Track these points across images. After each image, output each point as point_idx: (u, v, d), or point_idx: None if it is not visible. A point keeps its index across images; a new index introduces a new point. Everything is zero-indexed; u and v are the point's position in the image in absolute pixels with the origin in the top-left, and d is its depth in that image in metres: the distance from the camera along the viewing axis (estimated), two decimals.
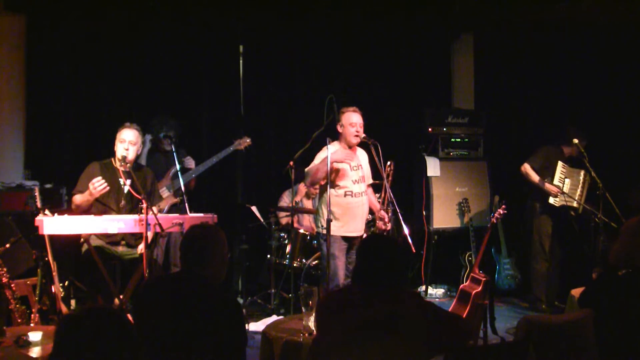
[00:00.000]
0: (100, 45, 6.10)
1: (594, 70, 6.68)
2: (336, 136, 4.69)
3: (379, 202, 4.92)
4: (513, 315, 5.57)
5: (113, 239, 4.47)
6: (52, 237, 4.16)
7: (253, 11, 6.24)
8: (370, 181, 4.89)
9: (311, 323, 3.30)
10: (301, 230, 5.64)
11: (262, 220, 5.85)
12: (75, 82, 6.10)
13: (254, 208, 5.82)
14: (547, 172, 5.71)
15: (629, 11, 6.17)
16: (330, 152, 4.40)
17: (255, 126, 6.38)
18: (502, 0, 6.25)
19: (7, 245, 4.14)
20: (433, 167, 6.38)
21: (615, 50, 6.64)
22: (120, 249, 4.52)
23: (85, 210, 4.41)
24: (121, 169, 4.52)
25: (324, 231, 4.46)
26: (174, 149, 5.00)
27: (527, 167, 5.75)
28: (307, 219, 5.98)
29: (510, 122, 7.04)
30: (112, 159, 4.55)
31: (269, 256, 5.73)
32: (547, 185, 5.64)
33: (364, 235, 4.68)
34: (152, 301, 2.62)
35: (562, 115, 6.72)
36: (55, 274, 4.25)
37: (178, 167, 5.03)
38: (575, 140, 5.58)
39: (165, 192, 5.20)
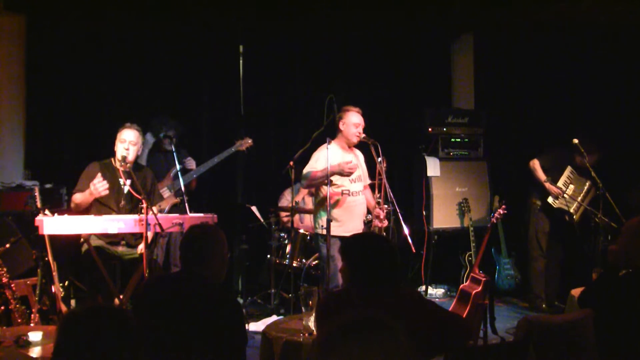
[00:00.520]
0: (100, 45, 6.10)
1: (593, 70, 6.67)
2: (336, 136, 4.69)
3: (377, 200, 4.91)
4: (513, 315, 5.57)
5: (113, 239, 4.47)
6: (52, 237, 4.16)
7: (253, 11, 6.24)
8: (368, 181, 4.89)
9: (311, 323, 3.31)
10: (301, 230, 5.64)
11: (262, 220, 5.85)
12: (75, 82, 6.11)
13: (254, 208, 5.82)
14: (554, 173, 5.68)
15: (629, 11, 6.16)
16: (330, 152, 4.39)
17: (255, 126, 6.38)
18: (502, 0, 6.24)
19: (7, 245, 4.15)
20: (433, 167, 6.37)
21: (615, 50, 6.63)
22: (120, 249, 4.51)
23: (85, 209, 4.41)
24: (121, 169, 4.52)
25: (322, 231, 4.45)
26: (174, 149, 5.01)
27: (536, 163, 5.72)
28: (308, 218, 5.97)
29: (510, 122, 7.02)
30: (112, 159, 4.55)
31: (269, 256, 5.73)
32: (550, 185, 5.62)
33: None
34: (152, 301, 2.63)
35: (562, 116, 6.72)
36: (55, 273, 4.26)
37: (178, 167, 5.03)
38: (575, 141, 5.53)
39: (166, 192, 5.20)
